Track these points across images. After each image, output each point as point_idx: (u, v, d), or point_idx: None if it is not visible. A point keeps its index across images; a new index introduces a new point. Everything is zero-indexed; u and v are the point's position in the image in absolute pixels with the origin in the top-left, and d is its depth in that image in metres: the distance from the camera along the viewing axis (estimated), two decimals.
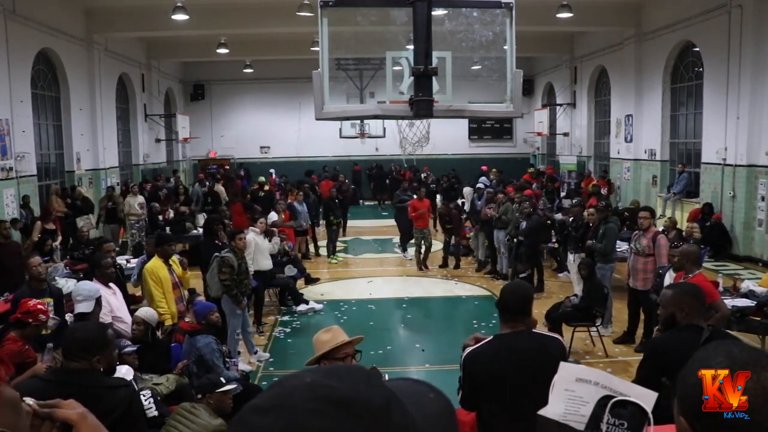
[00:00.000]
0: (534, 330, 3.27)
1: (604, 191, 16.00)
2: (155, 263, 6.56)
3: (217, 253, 7.18)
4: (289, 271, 9.68)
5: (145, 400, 4.16)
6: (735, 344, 1.22)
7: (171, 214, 14.13)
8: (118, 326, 5.47)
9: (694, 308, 3.28)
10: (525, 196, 11.59)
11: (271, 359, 7.44)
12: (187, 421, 4.03)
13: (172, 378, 4.94)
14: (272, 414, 0.73)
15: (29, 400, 1.23)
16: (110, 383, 2.86)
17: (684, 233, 10.39)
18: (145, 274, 6.54)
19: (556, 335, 3.33)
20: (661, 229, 8.95)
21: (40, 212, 11.86)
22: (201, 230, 12.49)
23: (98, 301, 4.97)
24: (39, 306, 4.68)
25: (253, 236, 8.31)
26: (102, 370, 2.96)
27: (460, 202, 14.37)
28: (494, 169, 19.36)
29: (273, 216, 11.00)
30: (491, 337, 3.18)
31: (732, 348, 1.18)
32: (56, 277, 8.30)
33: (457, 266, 12.28)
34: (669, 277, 6.25)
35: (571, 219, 9.93)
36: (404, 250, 13.45)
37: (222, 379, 4.49)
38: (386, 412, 0.76)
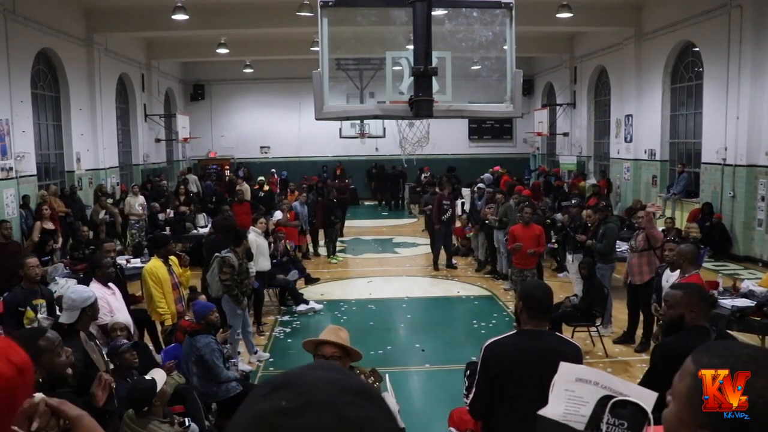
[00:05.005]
0: (556, 333, 3.32)
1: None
2: (155, 263, 6.57)
3: (217, 253, 7.17)
4: (293, 276, 9.66)
5: None
6: (737, 344, 1.22)
7: (171, 213, 14.12)
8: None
9: (703, 309, 3.30)
10: (524, 196, 11.59)
11: (271, 359, 7.44)
12: None
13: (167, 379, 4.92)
14: (311, 412, 0.72)
15: (39, 395, 1.33)
16: None
17: (683, 233, 10.38)
18: (144, 275, 6.54)
19: (577, 343, 3.32)
20: (661, 229, 8.95)
21: (35, 213, 11.82)
22: (201, 230, 12.52)
23: (86, 311, 4.33)
24: None
25: (254, 236, 8.30)
26: (41, 380, 2.74)
27: (460, 202, 14.38)
28: (494, 167, 19.39)
29: (278, 215, 10.99)
30: (514, 331, 3.21)
31: (739, 348, 1.18)
32: (56, 277, 8.31)
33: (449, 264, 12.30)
34: (667, 275, 6.22)
35: (568, 219, 9.92)
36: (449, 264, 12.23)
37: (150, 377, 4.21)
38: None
